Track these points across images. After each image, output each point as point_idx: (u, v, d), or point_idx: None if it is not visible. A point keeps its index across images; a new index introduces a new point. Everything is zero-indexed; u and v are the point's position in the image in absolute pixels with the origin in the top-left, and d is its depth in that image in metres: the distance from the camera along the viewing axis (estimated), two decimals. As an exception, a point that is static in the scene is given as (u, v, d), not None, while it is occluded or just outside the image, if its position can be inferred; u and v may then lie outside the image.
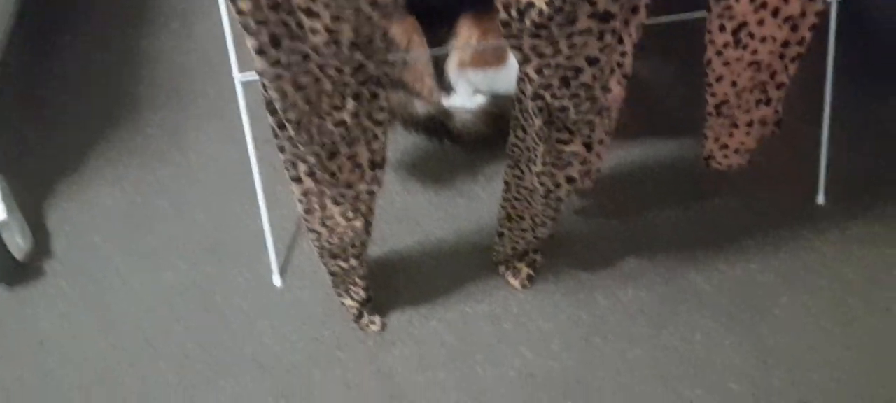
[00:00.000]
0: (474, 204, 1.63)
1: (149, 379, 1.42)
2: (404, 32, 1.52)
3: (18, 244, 1.50)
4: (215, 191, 1.68)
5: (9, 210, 1.46)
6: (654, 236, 1.57)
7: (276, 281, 1.53)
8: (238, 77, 1.30)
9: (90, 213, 1.65)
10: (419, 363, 1.43)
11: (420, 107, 1.66)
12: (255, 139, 1.41)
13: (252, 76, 1.31)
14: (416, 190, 1.66)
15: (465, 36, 1.56)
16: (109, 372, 1.43)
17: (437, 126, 1.67)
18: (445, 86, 1.65)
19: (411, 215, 1.61)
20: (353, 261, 1.35)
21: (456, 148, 1.70)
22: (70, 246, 1.60)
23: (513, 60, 1.56)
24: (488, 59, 1.61)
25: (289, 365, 1.43)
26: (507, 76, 1.60)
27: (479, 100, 1.65)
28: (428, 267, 1.55)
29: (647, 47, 1.22)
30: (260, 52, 0.92)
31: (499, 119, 1.65)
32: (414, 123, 1.68)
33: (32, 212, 1.62)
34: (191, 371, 1.42)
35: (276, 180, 1.53)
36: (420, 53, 1.56)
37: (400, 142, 1.72)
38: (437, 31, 1.60)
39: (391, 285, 1.51)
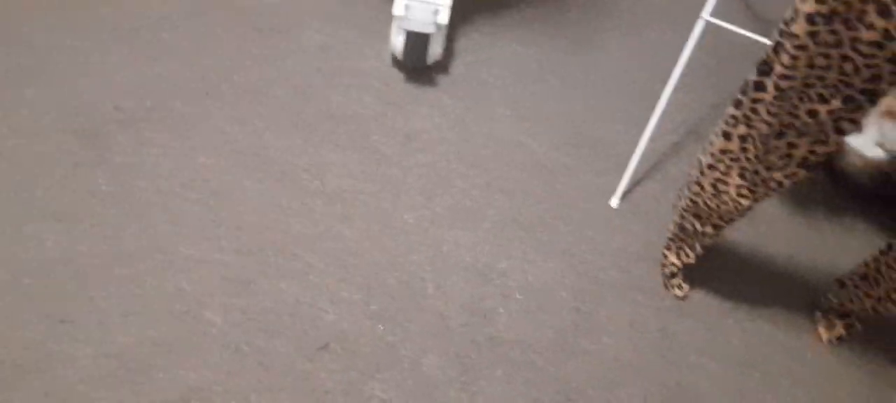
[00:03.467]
0: (821, 243, 1.62)
1: (486, 213, 1.57)
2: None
3: (434, 51, 1.68)
4: (608, 93, 1.78)
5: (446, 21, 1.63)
6: None
7: (614, 202, 1.62)
8: (706, 17, 1.36)
9: (493, 58, 1.81)
10: (703, 346, 1.47)
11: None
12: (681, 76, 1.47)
13: (713, 21, 1.37)
14: (777, 201, 1.67)
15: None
16: (449, 192, 1.60)
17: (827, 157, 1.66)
18: (853, 124, 1.62)
19: (761, 218, 1.63)
20: (709, 229, 1.40)
21: (829, 183, 1.68)
22: (465, 74, 1.77)
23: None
24: (912, 121, 1.56)
25: (591, 277, 1.52)
26: (915, 146, 1.56)
27: (877, 153, 1.61)
28: (751, 270, 1.57)
29: None
30: (809, 19, 0.97)
31: (885, 179, 1.61)
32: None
33: (448, 32, 1.80)
34: (503, 233, 1.56)
35: (665, 118, 1.59)
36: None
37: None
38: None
39: (710, 266, 1.55)
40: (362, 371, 1.39)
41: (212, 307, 1.42)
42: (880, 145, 1.60)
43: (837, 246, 1.60)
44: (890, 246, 1.34)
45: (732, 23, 1.42)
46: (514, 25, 1.87)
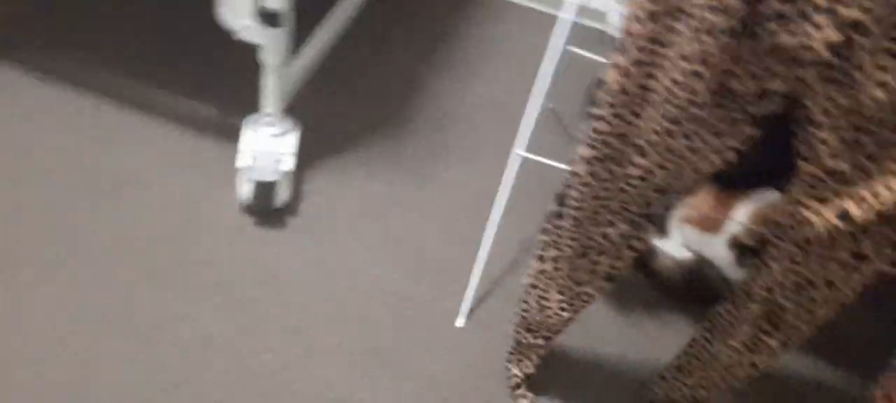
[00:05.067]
0: (645, 339, 1.80)
1: (345, 347, 1.66)
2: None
3: (282, 195, 1.79)
4: (448, 220, 1.92)
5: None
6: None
7: (460, 321, 1.75)
8: (519, 152, 1.54)
9: (340, 195, 1.93)
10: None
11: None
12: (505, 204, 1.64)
13: (527, 155, 1.56)
14: (601, 303, 1.84)
15: (700, 200, 1.76)
16: (309, 328, 1.68)
17: (640, 257, 1.86)
18: (663, 229, 1.84)
19: (590, 323, 1.79)
20: (541, 341, 1.55)
21: (647, 283, 1.88)
22: (316, 214, 1.88)
23: (723, 234, 1.75)
24: (708, 225, 1.79)
25: (443, 398, 1.63)
26: (716, 245, 1.78)
27: (685, 255, 1.83)
28: (586, 373, 1.72)
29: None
30: (588, 162, 1.15)
31: (694, 277, 1.83)
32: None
33: (295, 174, 1.92)
34: (359, 363, 1.65)
35: (500, 238, 1.75)
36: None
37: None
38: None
39: (550, 373, 1.69)
40: None
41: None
42: (686, 246, 1.82)
43: (659, 342, 1.79)
44: (694, 340, 1.53)
45: (554, 152, 1.62)
46: (357, 164, 2.01)
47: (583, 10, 1.51)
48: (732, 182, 1.77)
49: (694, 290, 1.84)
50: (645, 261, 1.86)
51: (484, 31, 2.46)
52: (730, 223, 1.75)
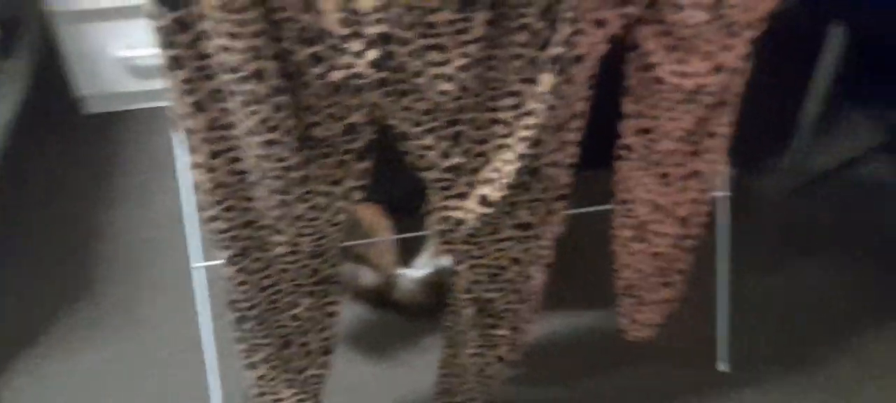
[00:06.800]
0: (413, 375, 1.75)
1: None
2: (371, 215, 1.70)
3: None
4: (167, 366, 1.76)
5: (-33, 389, 1.52)
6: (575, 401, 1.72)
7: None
8: (194, 266, 1.43)
9: (44, 388, 1.71)
10: None
11: (366, 279, 1.81)
12: (210, 318, 1.52)
13: (207, 263, 1.45)
14: (358, 361, 1.77)
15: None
16: None
17: (381, 296, 1.82)
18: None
19: (353, 386, 1.72)
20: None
21: (397, 318, 1.84)
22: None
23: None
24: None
25: None
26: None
27: (423, 271, 1.80)
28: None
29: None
30: (231, 261, 1.07)
31: (439, 288, 1.80)
32: (359, 294, 1.82)
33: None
34: None
35: (225, 355, 1.62)
36: (385, 235, 1.73)
37: (344, 315, 1.84)
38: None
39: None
40: None
41: None
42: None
43: (427, 371, 1.73)
44: (442, 360, 1.51)
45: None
46: (54, 345, 1.79)
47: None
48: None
49: (444, 300, 1.82)
50: (389, 298, 1.82)
51: (148, 147, 2.30)
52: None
